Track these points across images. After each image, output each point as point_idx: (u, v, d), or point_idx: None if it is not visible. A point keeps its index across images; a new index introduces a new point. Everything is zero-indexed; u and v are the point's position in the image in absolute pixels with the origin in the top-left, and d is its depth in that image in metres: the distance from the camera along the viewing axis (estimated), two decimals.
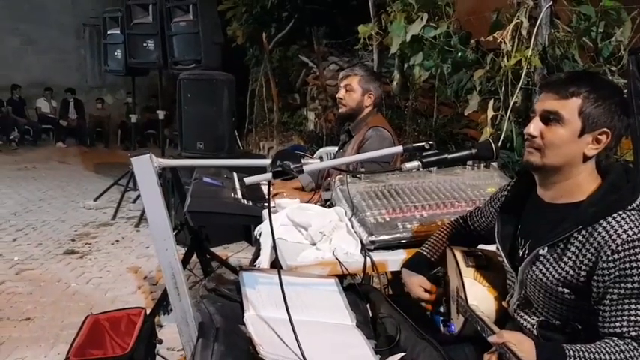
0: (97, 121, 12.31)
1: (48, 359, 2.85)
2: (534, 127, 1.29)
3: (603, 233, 1.20)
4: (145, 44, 5.39)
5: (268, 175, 1.33)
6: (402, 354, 1.35)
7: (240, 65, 8.48)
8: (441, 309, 1.67)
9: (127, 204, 6.02)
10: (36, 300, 3.59)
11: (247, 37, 7.96)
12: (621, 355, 1.16)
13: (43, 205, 6.40)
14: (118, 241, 4.97)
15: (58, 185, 7.58)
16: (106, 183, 6.70)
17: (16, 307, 3.49)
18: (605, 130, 1.25)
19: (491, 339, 1.24)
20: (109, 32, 5.86)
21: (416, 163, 1.38)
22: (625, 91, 1.73)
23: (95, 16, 8.01)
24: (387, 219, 1.95)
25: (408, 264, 1.71)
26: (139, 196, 5.22)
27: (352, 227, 1.95)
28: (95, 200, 6.34)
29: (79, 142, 12.12)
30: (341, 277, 1.77)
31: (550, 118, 1.27)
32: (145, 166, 1.22)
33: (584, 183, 1.30)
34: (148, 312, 2.57)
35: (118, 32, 5.72)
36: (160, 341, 2.60)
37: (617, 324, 1.19)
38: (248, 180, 1.31)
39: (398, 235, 1.88)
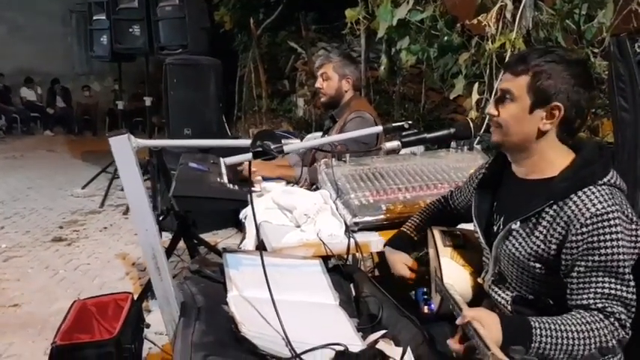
0: (85, 108, 12.21)
1: (36, 344, 2.85)
2: (491, 105, 1.35)
3: (573, 207, 1.22)
4: (130, 29, 5.33)
5: (249, 155, 1.33)
6: (384, 331, 1.36)
7: (229, 51, 8.42)
8: (424, 288, 1.69)
9: (115, 191, 5.98)
10: (24, 287, 3.59)
11: (235, 23, 7.89)
12: (587, 326, 1.17)
13: (30, 193, 6.36)
14: (106, 228, 4.96)
15: (45, 173, 7.53)
16: (93, 171, 6.67)
17: (4, 293, 3.48)
18: (557, 104, 1.26)
19: (458, 322, 1.20)
20: (94, 18, 5.77)
21: (396, 143, 1.39)
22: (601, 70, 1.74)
23: (81, 2, 7.90)
24: (371, 201, 1.96)
25: (391, 242, 1.73)
26: None
27: (337, 209, 1.97)
28: (83, 188, 6.32)
29: (66, 130, 12.06)
30: (326, 260, 1.78)
31: (504, 97, 1.32)
32: (124, 146, 1.23)
33: (554, 159, 1.31)
34: (135, 297, 2.57)
35: (104, 18, 5.63)
36: (148, 325, 2.61)
37: (585, 296, 1.21)
38: (229, 160, 1.32)
39: (381, 216, 1.90)
